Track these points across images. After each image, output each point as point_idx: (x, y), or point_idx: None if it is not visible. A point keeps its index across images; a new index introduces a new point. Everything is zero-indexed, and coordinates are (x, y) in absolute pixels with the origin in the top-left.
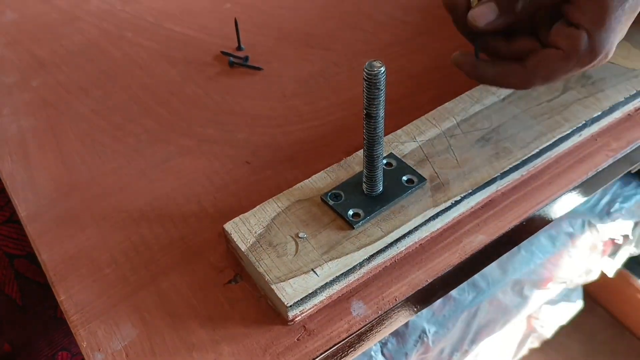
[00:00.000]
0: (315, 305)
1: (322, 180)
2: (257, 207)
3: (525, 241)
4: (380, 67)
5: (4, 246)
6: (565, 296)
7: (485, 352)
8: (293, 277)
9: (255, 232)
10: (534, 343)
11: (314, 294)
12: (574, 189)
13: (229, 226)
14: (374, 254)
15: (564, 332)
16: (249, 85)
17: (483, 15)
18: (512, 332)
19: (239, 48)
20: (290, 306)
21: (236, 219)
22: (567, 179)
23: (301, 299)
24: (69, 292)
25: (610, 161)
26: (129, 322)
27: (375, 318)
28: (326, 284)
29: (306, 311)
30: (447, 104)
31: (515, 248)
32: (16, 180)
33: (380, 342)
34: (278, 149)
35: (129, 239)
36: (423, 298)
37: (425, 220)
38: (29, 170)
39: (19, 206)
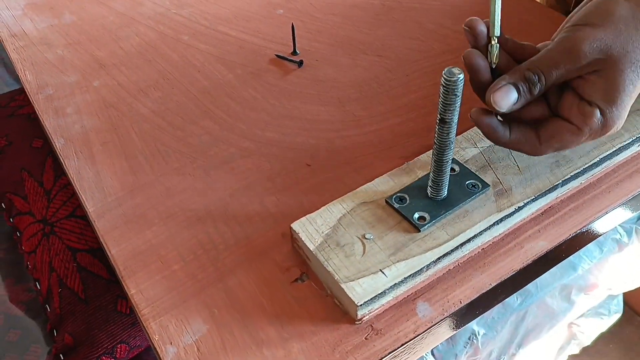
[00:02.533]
0: (382, 305)
1: (385, 183)
2: (323, 208)
3: None
4: (459, 74)
5: (68, 240)
6: (606, 304)
7: (528, 357)
8: (362, 277)
9: (323, 232)
10: (573, 349)
11: (382, 294)
12: (633, 198)
13: (296, 225)
14: (441, 256)
15: (602, 340)
16: (304, 89)
17: (505, 100)
18: (554, 337)
19: (294, 52)
20: (360, 305)
21: (303, 219)
22: (625, 189)
23: (370, 299)
24: (139, 286)
25: None
26: (199, 318)
27: (441, 320)
28: (394, 284)
29: (373, 311)
30: None
31: None
32: (83, 177)
33: None
34: (337, 152)
35: (195, 237)
36: (485, 301)
37: (489, 225)
38: (95, 168)
39: (86, 202)
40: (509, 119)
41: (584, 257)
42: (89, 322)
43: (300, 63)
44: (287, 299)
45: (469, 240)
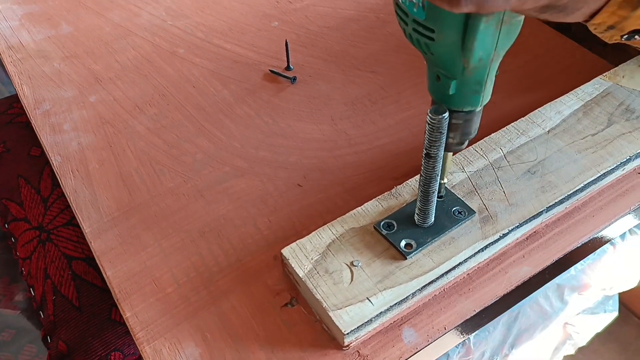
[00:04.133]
0: (369, 331)
1: (374, 208)
2: (313, 233)
3: None
4: (444, 114)
5: (64, 248)
6: (602, 304)
7: (522, 357)
8: (349, 305)
9: (312, 259)
10: (568, 350)
11: (369, 322)
12: (616, 221)
13: (286, 251)
14: (426, 284)
15: (598, 340)
16: (298, 107)
17: None
18: (548, 338)
19: (287, 68)
20: (347, 333)
21: (293, 245)
22: (609, 213)
23: (357, 327)
24: (133, 309)
25: None
26: (192, 342)
27: (425, 346)
28: (381, 312)
29: (360, 337)
30: (493, 134)
31: None
32: (79, 197)
33: None
34: (328, 172)
35: (189, 259)
36: (470, 326)
37: (474, 253)
38: (92, 188)
39: (83, 223)
40: None
41: None
42: (83, 329)
43: (294, 79)
44: (277, 323)
45: (454, 268)
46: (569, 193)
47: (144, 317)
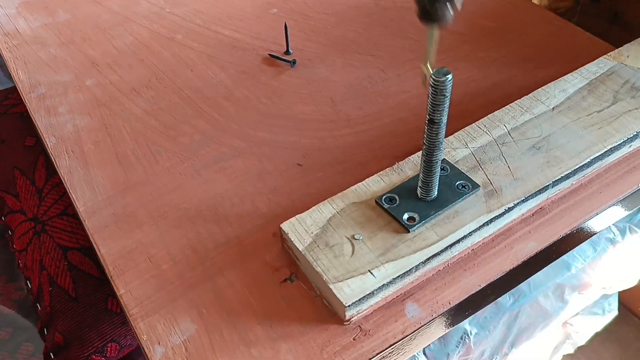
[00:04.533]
0: (371, 306)
1: (376, 183)
2: (313, 207)
3: None
4: (448, 74)
5: (59, 238)
6: (601, 303)
7: (521, 356)
8: (351, 278)
9: (312, 232)
10: (568, 349)
11: (371, 295)
12: (624, 199)
13: (286, 226)
14: (430, 257)
15: (597, 340)
16: (297, 89)
17: None
18: (548, 337)
19: (287, 52)
20: (349, 306)
21: (292, 219)
22: (617, 190)
23: (359, 300)
24: (128, 286)
25: None
26: (187, 318)
27: (430, 321)
28: (383, 285)
29: (362, 312)
30: (497, 112)
31: None
32: (74, 176)
33: None
34: (328, 152)
35: (185, 236)
36: (475, 303)
37: (479, 226)
38: (86, 168)
39: (77, 201)
40: None
41: (577, 257)
42: (79, 320)
43: (293, 62)
44: (276, 299)
45: (458, 241)
46: (575, 168)
47: (138, 293)
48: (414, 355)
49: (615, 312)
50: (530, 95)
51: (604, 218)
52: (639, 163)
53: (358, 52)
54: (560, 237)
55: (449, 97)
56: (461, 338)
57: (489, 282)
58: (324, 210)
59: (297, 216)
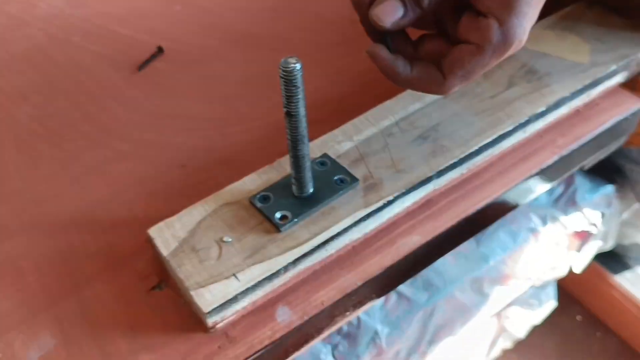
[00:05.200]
0: (238, 311)
1: (253, 182)
2: (184, 210)
3: (483, 237)
4: (296, 63)
5: None
6: (536, 295)
7: (453, 354)
8: (213, 283)
9: (179, 237)
10: (506, 343)
11: (234, 299)
12: (519, 185)
13: (152, 231)
14: (300, 257)
15: (539, 331)
16: (191, 88)
17: (388, 13)
18: (481, 332)
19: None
20: (209, 312)
21: (161, 224)
22: (508, 178)
23: (220, 305)
24: None
25: (556, 158)
26: (48, 333)
27: (301, 324)
28: (247, 289)
29: (228, 318)
30: (387, 102)
31: (474, 244)
32: None
33: (330, 344)
34: (214, 151)
35: (56, 246)
36: (361, 300)
37: (355, 222)
38: None
39: None
40: (409, 58)
41: (496, 248)
42: None
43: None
44: (142, 308)
45: (332, 239)
46: (461, 156)
47: None
48: (320, 359)
49: (553, 303)
50: None
51: (502, 207)
52: (534, 149)
53: (259, 48)
54: (445, 229)
55: (301, 87)
56: (372, 338)
57: (367, 279)
58: (194, 213)
59: (166, 220)
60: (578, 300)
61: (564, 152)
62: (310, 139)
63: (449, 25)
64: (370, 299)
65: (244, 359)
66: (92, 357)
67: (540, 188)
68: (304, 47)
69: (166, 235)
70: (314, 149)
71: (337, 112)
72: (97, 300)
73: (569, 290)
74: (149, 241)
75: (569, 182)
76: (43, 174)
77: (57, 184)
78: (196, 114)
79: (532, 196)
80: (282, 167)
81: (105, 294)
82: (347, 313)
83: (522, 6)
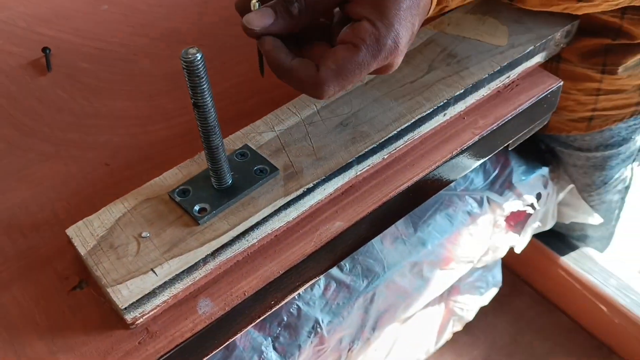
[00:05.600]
0: (159, 306)
1: (173, 176)
2: (103, 208)
3: (420, 222)
4: (196, 53)
5: None
6: (483, 276)
7: (402, 341)
8: (131, 279)
9: (98, 235)
10: (456, 326)
11: (152, 294)
12: (441, 166)
13: (70, 231)
14: (219, 248)
15: (490, 313)
16: (116, 85)
17: (258, 19)
18: (428, 317)
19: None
20: (126, 308)
21: (79, 223)
22: (429, 160)
23: (138, 300)
24: None
25: (477, 139)
26: None
27: (223, 315)
28: (165, 283)
29: (147, 313)
30: None
31: (411, 229)
32: None
33: (271, 336)
34: (138, 148)
35: None
36: (285, 288)
37: (275, 210)
38: None
39: None
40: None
41: (433, 232)
42: None
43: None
44: (62, 309)
45: (252, 229)
46: (381, 141)
47: None
48: (262, 351)
49: (499, 284)
50: None
51: (421, 189)
52: (455, 131)
53: (186, 43)
54: (367, 213)
55: (205, 77)
56: (312, 328)
57: (290, 267)
58: (113, 211)
59: (85, 219)
60: (527, 281)
61: (485, 132)
62: (234, 131)
63: (333, 35)
64: (296, 286)
65: (165, 353)
66: None
67: (466, 166)
68: (231, 41)
69: (84, 234)
70: (235, 140)
71: (265, 103)
72: (15, 305)
73: (517, 271)
74: (69, 241)
75: (504, 165)
76: None
77: None
78: (121, 112)
79: (460, 174)
80: (203, 160)
81: (24, 298)
82: (272, 302)
83: (395, 11)
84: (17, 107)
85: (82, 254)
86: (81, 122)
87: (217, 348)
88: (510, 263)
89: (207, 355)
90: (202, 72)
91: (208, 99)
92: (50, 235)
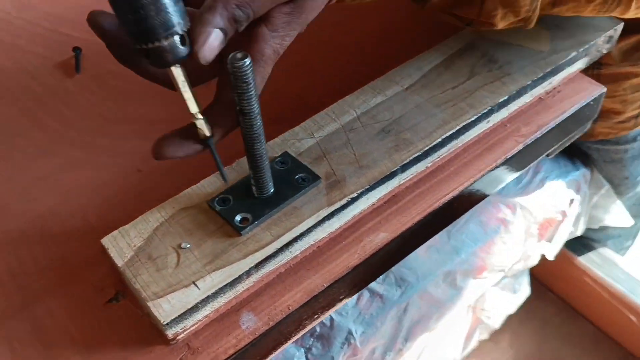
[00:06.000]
0: (200, 320)
1: (212, 184)
2: (139, 217)
3: (453, 230)
4: (244, 59)
5: None
6: (510, 284)
7: (429, 349)
8: (172, 292)
9: (135, 245)
10: (483, 335)
11: (195, 308)
12: (483, 176)
13: (106, 241)
14: (262, 260)
15: (515, 321)
16: (147, 89)
17: (213, 52)
18: (456, 325)
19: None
20: (168, 324)
21: (115, 232)
22: (474, 169)
23: (180, 315)
24: None
25: (520, 147)
26: None
27: (267, 330)
28: (208, 297)
29: (189, 328)
30: (348, 97)
31: (445, 237)
32: None
33: (304, 347)
34: None
35: (3, 262)
36: (326, 303)
37: (319, 221)
38: None
39: None
40: None
41: (467, 241)
42: None
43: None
44: (98, 322)
45: (296, 240)
46: (425, 149)
47: None
48: None
49: (527, 292)
50: (384, 76)
51: (465, 200)
52: (498, 139)
53: None
54: (412, 224)
55: (252, 83)
56: (346, 339)
57: (334, 280)
58: (150, 220)
59: (121, 228)
60: (551, 288)
61: (529, 140)
62: (270, 137)
63: None
64: (339, 300)
65: None
66: None
67: (507, 177)
68: None
69: (121, 245)
70: (274, 147)
71: (297, 108)
72: (49, 316)
73: (541, 277)
74: (104, 251)
75: (536, 170)
76: None
77: (2, 196)
78: (152, 116)
79: (500, 186)
80: (242, 167)
81: (58, 309)
82: (316, 316)
83: None
84: (45, 110)
85: (119, 265)
86: (111, 127)
87: None
88: (534, 269)
89: None
90: (249, 79)
91: (255, 105)
92: (83, 244)
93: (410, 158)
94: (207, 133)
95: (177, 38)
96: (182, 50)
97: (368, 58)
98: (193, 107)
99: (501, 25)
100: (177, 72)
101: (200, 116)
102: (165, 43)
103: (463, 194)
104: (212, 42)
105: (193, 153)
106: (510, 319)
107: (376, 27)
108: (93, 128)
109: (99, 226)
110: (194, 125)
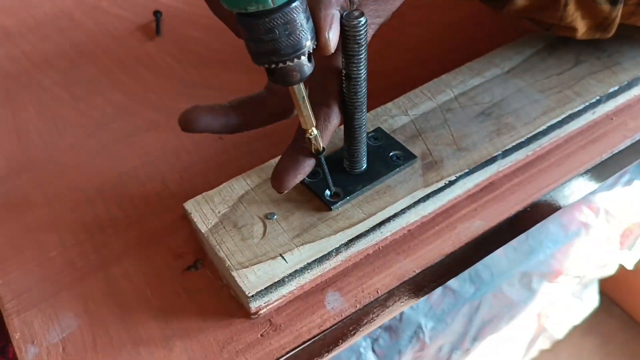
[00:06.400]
0: (284, 296)
1: None
2: (224, 184)
3: (533, 229)
4: (360, 17)
5: None
6: (579, 293)
7: (491, 352)
8: (258, 263)
9: (219, 212)
10: (544, 343)
11: (281, 282)
12: (585, 172)
13: (189, 205)
14: (353, 238)
15: (577, 332)
16: (228, 57)
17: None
18: (520, 330)
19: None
20: (253, 296)
21: (198, 197)
22: (577, 161)
23: (266, 288)
24: (7, 276)
25: (628, 142)
26: (71, 312)
27: (353, 312)
28: (296, 271)
29: (272, 303)
30: (443, 76)
31: (523, 236)
32: None
33: (370, 337)
34: None
35: (81, 219)
36: (411, 291)
37: (414, 202)
38: None
39: None
40: None
41: (545, 241)
42: None
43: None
44: (176, 290)
45: (388, 220)
46: (528, 136)
47: (18, 285)
48: (361, 353)
49: (595, 303)
50: (482, 57)
51: (566, 194)
52: (604, 132)
53: None
54: (510, 214)
55: (364, 45)
56: (415, 332)
57: (426, 267)
58: (236, 187)
59: (204, 193)
60: (619, 302)
61: (637, 136)
62: None
63: None
64: (430, 288)
65: (291, 350)
66: (121, 341)
67: (611, 174)
68: None
69: (204, 210)
70: None
71: (387, 87)
72: (126, 279)
73: (607, 290)
74: (185, 216)
75: (622, 173)
76: (68, 142)
77: (82, 153)
78: (233, 84)
79: (600, 184)
80: (332, 140)
81: (135, 272)
82: (402, 303)
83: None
84: (125, 71)
85: (203, 231)
86: (191, 92)
87: (340, 349)
88: (602, 279)
89: (329, 356)
90: (362, 40)
91: (362, 70)
92: (161, 208)
93: (513, 144)
94: (323, 145)
95: (304, 57)
96: (309, 68)
97: (461, 43)
98: (310, 123)
99: (581, 30)
100: (299, 89)
101: (315, 131)
102: (293, 63)
103: (566, 186)
104: (337, 26)
105: (310, 170)
106: (573, 329)
107: (474, 11)
108: (173, 92)
109: (178, 192)
110: (306, 140)
